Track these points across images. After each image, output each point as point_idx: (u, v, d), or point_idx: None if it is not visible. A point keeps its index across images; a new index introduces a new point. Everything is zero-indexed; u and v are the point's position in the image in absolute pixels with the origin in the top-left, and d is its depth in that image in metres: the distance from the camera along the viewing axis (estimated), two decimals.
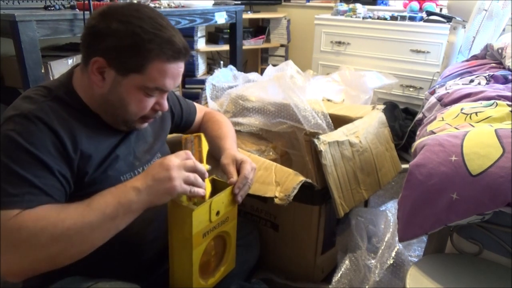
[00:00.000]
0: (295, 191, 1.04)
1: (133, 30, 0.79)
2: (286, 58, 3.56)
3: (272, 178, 1.10)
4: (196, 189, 0.79)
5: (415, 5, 2.75)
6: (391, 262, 1.18)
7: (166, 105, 0.90)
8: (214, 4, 2.43)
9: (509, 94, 1.12)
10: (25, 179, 0.73)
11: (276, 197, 1.05)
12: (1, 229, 0.69)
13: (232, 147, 1.09)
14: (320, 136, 1.15)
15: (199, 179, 0.81)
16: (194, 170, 0.80)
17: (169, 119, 1.11)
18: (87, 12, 1.57)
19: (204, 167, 0.85)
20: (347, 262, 1.20)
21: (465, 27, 1.87)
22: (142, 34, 0.79)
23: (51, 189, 0.76)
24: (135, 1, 0.92)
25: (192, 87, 3.07)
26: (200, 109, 1.24)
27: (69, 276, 0.87)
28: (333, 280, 1.17)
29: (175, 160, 0.78)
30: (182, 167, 0.79)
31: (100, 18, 0.81)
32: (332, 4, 3.18)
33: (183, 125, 1.19)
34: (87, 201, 0.75)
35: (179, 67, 0.86)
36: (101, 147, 0.87)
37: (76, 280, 0.86)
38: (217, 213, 0.89)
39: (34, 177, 0.74)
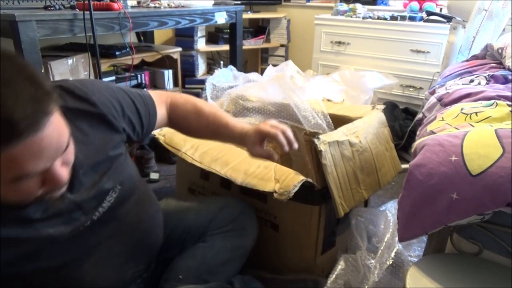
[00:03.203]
0: (296, 188, 1.04)
1: None
2: (286, 58, 3.56)
3: (271, 175, 1.10)
4: None
5: (415, 5, 2.75)
6: (391, 262, 1.18)
7: (60, 178, 0.69)
8: (214, 4, 2.43)
9: (509, 94, 1.12)
10: None
11: (275, 191, 1.04)
12: None
13: (233, 134, 1.01)
14: (320, 136, 1.15)
15: None
16: None
17: (118, 142, 0.89)
18: (87, 12, 1.58)
19: None
20: (342, 262, 1.19)
21: (465, 27, 1.87)
22: None
23: None
24: None
25: (192, 87, 3.07)
26: (159, 104, 1.01)
27: None
28: (328, 281, 1.17)
29: None
30: None
31: None
32: (332, 4, 3.18)
33: (145, 133, 0.99)
34: None
35: (37, 142, 0.61)
36: (7, 224, 0.71)
37: None
38: None
39: None
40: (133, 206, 0.92)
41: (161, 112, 1.02)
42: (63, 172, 0.70)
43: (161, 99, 1.03)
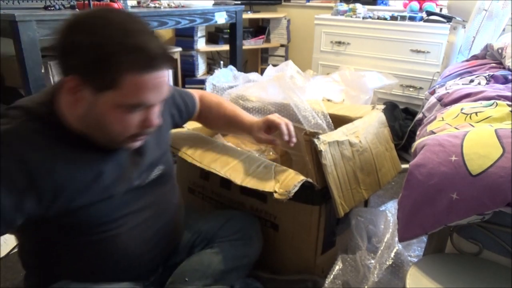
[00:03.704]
0: (296, 188, 1.04)
1: (98, 42, 0.70)
2: (286, 58, 3.56)
3: (271, 176, 1.10)
4: None
5: (415, 5, 2.75)
6: (390, 262, 1.18)
7: (155, 120, 0.81)
8: (214, 4, 2.43)
9: (509, 94, 1.12)
10: None
11: (275, 191, 1.05)
12: None
13: (243, 123, 1.17)
14: (320, 136, 1.15)
15: None
16: None
17: (169, 124, 1.09)
18: None
19: None
20: (339, 263, 1.20)
21: (465, 27, 1.87)
22: (108, 44, 0.71)
23: None
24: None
25: (192, 87, 3.06)
26: (194, 96, 1.22)
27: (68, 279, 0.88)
28: (326, 282, 1.17)
29: None
30: None
31: (65, 32, 0.73)
32: (332, 4, 3.18)
33: (186, 119, 1.20)
34: None
35: (159, 77, 0.76)
36: (84, 171, 0.80)
37: (75, 282, 0.87)
38: None
39: None
40: (167, 190, 1.03)
41: (197, 104, 1.21)
42: (157, 119, 0.82)
43: (195, 94, 1.23)
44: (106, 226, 0.87)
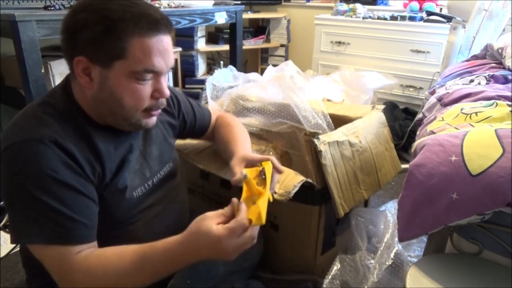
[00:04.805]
0: (296, 189, 1.04)
1: (101, 15, 0.74)
2: (286, 58, 3.56)
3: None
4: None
5: (415, 5, 2.75)
6: (390, 262, 1.18)
7: (166, 90, 0.83)
8: (214, 4, 2.43)
9: (509, 94, 1.12)
10: (67, 215, 0.74)
11: (275, 192, 1.05)
12: (65, 265, 0.73)
13: (241, 149, 1.07)
14: (320, 136, 1.15)
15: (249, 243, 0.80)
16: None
17: (173, 125, 1.08)
18: None
19: (267, 194, 0.84)
20: (337, 263, 1.20)
21: (465, 27, 1.87)
22: (112, 15, 0.74)
23: (90, 216, 0.78)
24: None
25: (192, 87, 3.08)
26: (213, 113, 1.22)
27: None
28: (324, 282, 1.17)
29: (230, 241, 0.75)
30: (238, 247, 0.77)
31: (69, 16, 0.77)
32: (332, 4, 3.19)
33: (197, 131, 1.18)
34: (141, 260, 0.74)
35: (163, 41, 0.79)
36: (112, 159, 0.84)
37: None
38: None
39: (75, 208, 0.75)
40: (174, 186, 1.04)
41: (213, 119, 1.21)
42: (167, 89, 0.84)
43: (214, 111, 1.24)
44: (124, 222, 0.89)
